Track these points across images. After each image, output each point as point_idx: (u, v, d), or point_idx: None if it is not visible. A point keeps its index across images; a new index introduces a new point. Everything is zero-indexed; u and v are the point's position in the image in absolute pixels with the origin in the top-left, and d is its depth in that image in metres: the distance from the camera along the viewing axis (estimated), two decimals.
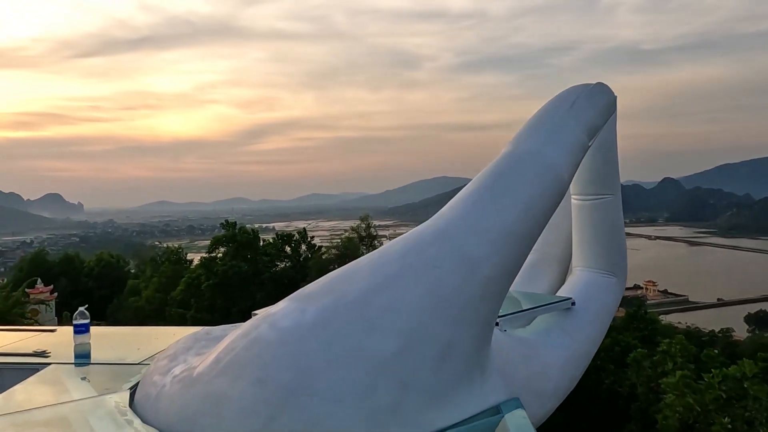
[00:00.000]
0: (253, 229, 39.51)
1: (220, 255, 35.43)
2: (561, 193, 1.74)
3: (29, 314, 27.30)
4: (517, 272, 1.62)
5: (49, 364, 4.38)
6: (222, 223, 38.22)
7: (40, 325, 25.96)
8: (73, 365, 4.35)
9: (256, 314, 4.59)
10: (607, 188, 2.13)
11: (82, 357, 4.73)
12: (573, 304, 2.02)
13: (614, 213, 2.15)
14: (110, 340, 5.45)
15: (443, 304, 1.46)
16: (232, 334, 1.58)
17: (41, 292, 28.70)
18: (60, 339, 4.96)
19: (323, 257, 34.60)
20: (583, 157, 1.87)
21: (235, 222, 38.88)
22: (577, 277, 2.24)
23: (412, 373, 1.40)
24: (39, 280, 29.71)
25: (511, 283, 1.62)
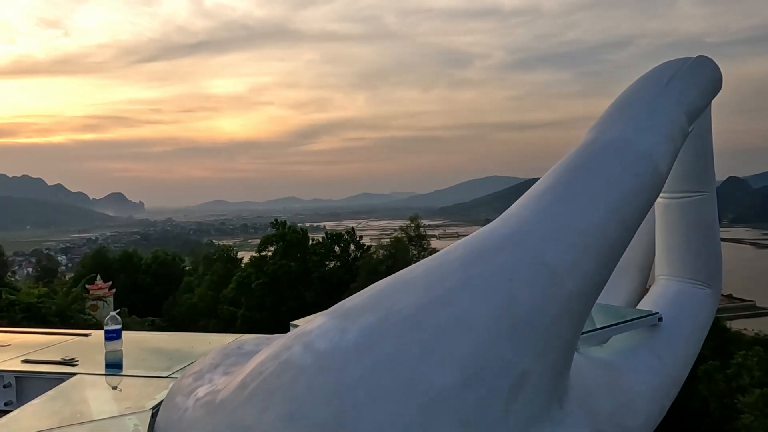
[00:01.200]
0: (302, 229, 39.80)
1: (269, 254, 35.80)
2: (658, 188, 1.24)
3: (89, 309, 28.31)
4: (604, 285, 1.13)
5: (75, 374, 4.17)
6: (272, 222, 38.61)
7: (100, 320, 26.82)
8: (98, 376, 4.11)
9: (295, 326, 4.18)
10: (702, 184, 1.62)
11: (113, 366, 4.48)
12: (660, 319, 1.58)
13: (709, 213, 1.66)
14: (143, 347, 5.23)
15: (517, 325, 0.97)
16: (263, 353, 1.14)
17: (100, 288, 29.67)
18: (93, 344, 4.77)
19: (373, 257, 34.37)
20: (682, 145, 1.35)
21: (285, 221, 39.25)
22: (662, 287, 1.76)
23: (477, 409, 0.93)
24: (98, 277, 30.77)
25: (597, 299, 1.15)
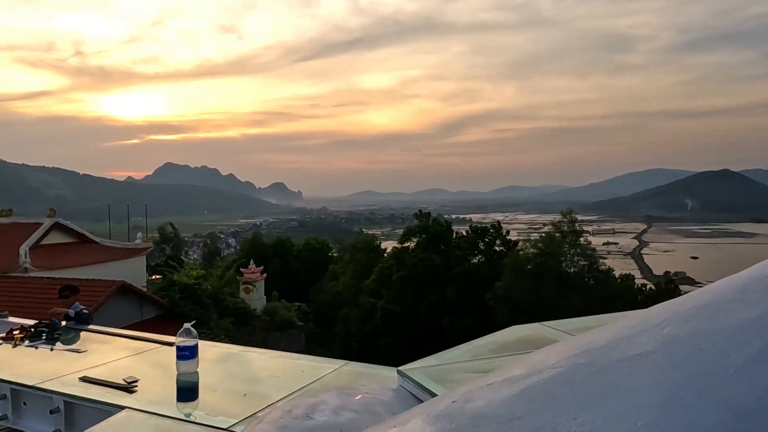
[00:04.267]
0: (446, 221, 38.62)
1: (411, 246, 35.14)
2: None
3: (243, 291, 29.93)
4: None
5: (124, 407, 3.29)
6: (415, 214, 37.92)
7: (249, 303, 28.15)
8: (148, 415, 3.18)
9: (402, 373, 2.83)
10: None
11: (185, 392, 3.53)
12: None
13: None
14: (221, 372, 4.27)
15: None
16: None
17: (253, 273, 31.28)
18: (173, 359, 3.94)
19: (520, 254, 32.03)
20: None
21: (429, 213, 38.36)
22: None
23: None
24: (251, 261, 32.49)
25: None
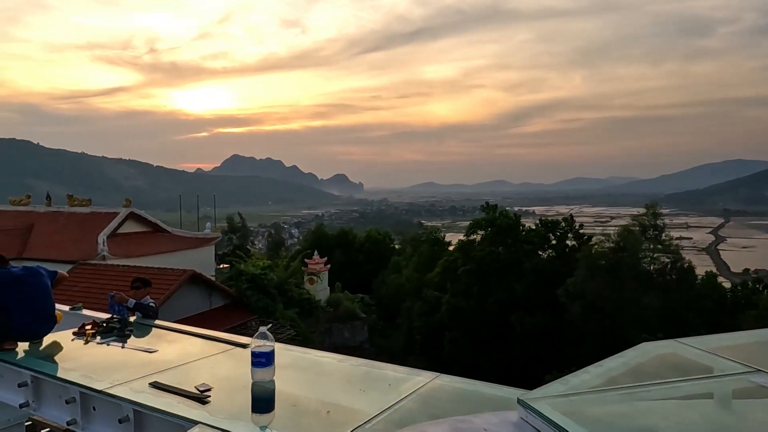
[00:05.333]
0: (514, 214, 37.43)
1: (477, 239, 34.21)
2: None
3: (308, 282, 30.11)
4: None
5: (196, 422, 2.94)
6: (482, 206, 36.91)
7: (314, 294, 28.25)
8: None
9: (524, 403, 2.27)
10: None
11: (262, 402, 3.16)
12: None
13: None
14: (303, 378, 3.90)
15: None
16: None
17: (317, 263, 31.42)
18: (247, 362, 3.60)
19: (594, 249, 30.40)
20: None
21: (496, 205, 37.28)
22: None
23: None
24: (315, 252, 32.64)
25: None
